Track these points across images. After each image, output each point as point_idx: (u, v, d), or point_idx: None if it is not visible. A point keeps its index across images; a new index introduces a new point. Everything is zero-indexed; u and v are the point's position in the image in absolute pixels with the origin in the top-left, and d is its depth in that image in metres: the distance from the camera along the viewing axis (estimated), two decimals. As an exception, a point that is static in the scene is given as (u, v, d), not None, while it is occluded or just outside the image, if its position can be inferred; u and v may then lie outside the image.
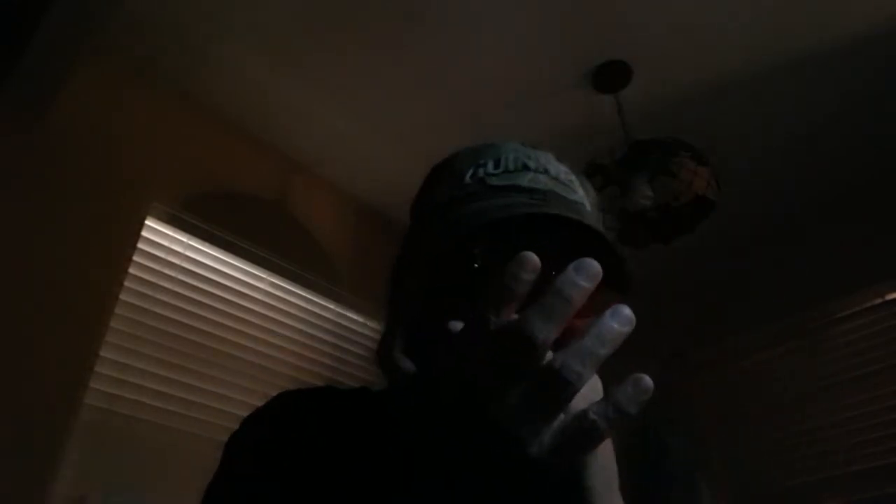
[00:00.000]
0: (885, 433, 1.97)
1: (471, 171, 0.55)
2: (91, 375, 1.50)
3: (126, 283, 1.64)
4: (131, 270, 1.66)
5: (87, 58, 1.56)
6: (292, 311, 2.00)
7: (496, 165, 0.55)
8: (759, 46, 1.81)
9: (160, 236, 1.77)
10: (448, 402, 0.33)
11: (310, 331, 2.02)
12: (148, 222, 1.74)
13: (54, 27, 1.41)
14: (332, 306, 2.11)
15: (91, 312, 1.55)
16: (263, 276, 1.97)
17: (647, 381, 0.32)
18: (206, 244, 1.86)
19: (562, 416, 0.31)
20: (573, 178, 0.58)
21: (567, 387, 0.30)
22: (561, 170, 0.57)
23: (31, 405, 1.38)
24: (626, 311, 0.32)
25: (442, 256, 0.49)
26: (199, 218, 1.83)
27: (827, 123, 2.05)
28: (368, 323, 2.16)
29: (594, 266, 0.32)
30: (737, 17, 1.72)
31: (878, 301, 2.15)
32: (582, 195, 0.57)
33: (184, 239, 1.82)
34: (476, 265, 0.46)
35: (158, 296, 1.71)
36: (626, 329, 0.32)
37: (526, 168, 0.54)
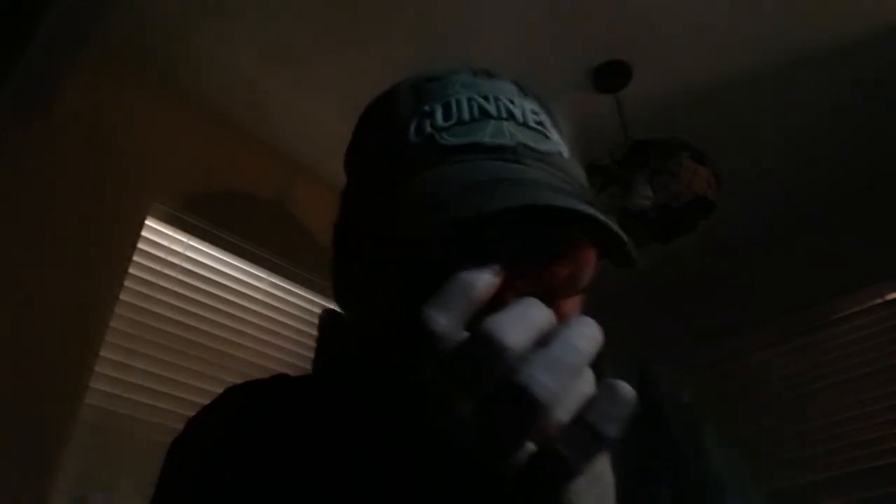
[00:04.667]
0: (885, 433, 1.97)
1: (415, 123, 0.43)
2: (91, 375, 1.50)
3: (126, 283, 1.64)
4: (131, 270, 1.66)
5: (87, 58, 1.56)
6: (292, 311, 2.00)
7: (447, 114, 0.43)
8: (760, 46, 1.81)
9: (160, 236, 1.77)
10: (401, 421, 0.30)
11: (310, 331, 2.02)
12: (148, 222, 1.74)
13: (54, 27, 1.41)
14: (331, 306, 2.11)
15: (91, 312, 1.54)
16: (263, 276, 1.97)
17: (625, 389, 0.26)
18: (206, 244, 1.86)
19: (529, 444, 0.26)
20: (542, 115, 0.46)
21: (535, 406, 0.25)
22: (527, 109, 0.45)
23: (31, 405, 1.38)
24: (590, 322, 0.28)
25: (391, 254, 0.41)
26: (199, 218, 1.83)
27: (827, 123, 2.05)
28: (368, 323, 2.16)
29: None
30: (737, 17, 1.72)
31: (878, 301, 2.15)
32: (556, 139, 0.46)
33: (184, 239, 1.82)
34: (432, 265, 0.38)
35: (158, 296, 1.71)
36: (596, 338, 0.28)
37: (485, 115, 0.43)
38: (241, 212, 1.97)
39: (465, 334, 0.27)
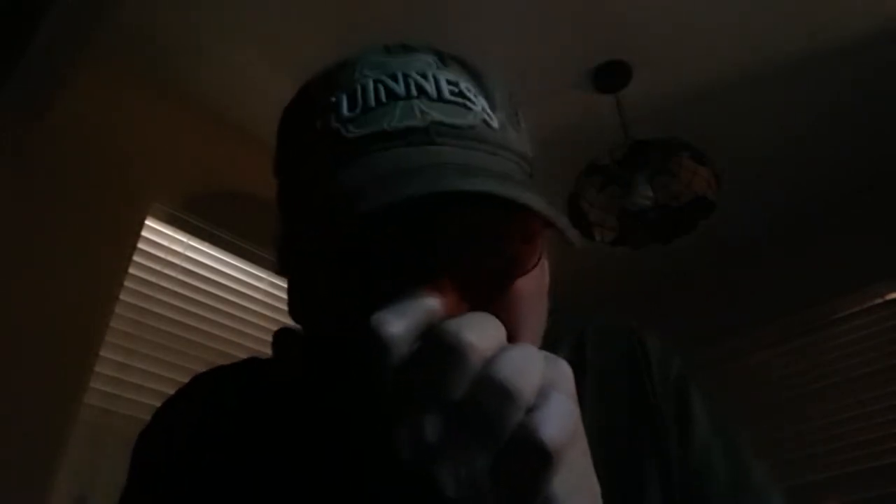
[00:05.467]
0: (885, 433, 1.97)
1: (322, 120, 0.40)
2: (91, 375, 1.50)
3: (126, 283, 1.64)
4: (131, 270, 1.66)
5: (87, 58, 1.56)
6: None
7: (351, 103, 0.39)
8: (759, 46, 1.81)
9: (160, 236, 1.77)
10: (351, 430, 0.28)
11: (310, 331, 2.02)
12: (148, 222, 1.74)
13: (54, 27, 1.40)
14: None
15: (91, 312, 1.54)
16: (263, 276, 1.97)
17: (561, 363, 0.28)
18: (206, 244, 1.86)
19: (494, 443, 0.24)
20: (462, 83, 0.41)
21: (502, 397, 0.24)
22: (442, 81, 0.40)
23: (31, 405, 1.38)
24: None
25: (303, 269, 0.40)
26: (199, 218, 1.83)
27: (827, 123, 2.05)
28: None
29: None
30: (737, 17, 1.72)
31: (878, 301, 2.15)
32: (481, 107, 0.41)
33: (184, 239, 1.82)
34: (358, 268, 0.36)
35: (158, 296, 1.71)
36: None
37: (393, 96, 0.39)
38: (241, 212, 1.97)
39: (433, 331, 0.26)
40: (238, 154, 2.04)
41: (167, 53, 1.80)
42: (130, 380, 1.57)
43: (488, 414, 0.24)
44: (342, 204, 0.34)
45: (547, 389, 0.26)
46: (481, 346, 0.26)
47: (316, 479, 0.37)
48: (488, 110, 0.41)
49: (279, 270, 0.45)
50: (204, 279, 1.83)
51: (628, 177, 1.68)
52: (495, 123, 0.41)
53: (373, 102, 0.39)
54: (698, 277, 2.52)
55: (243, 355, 1.81)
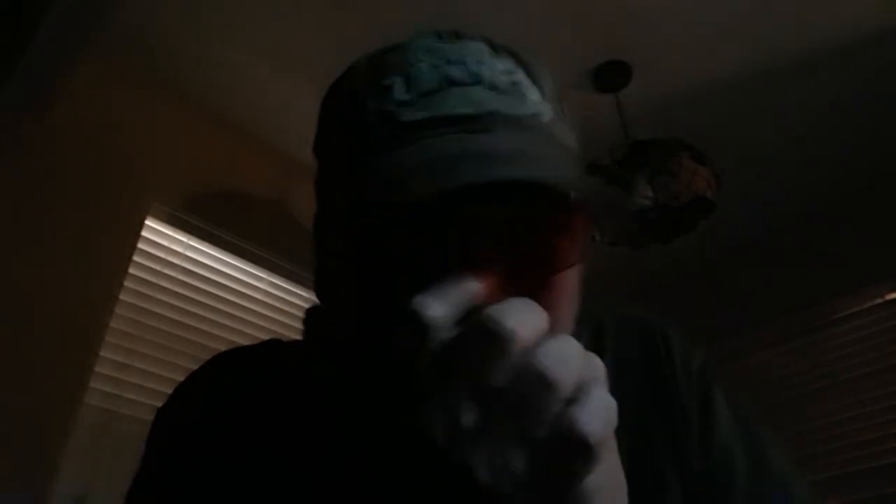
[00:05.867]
0: (885, 433, 1.97)
1: (373, 101, 0.39)
2: (91, 375, 1.50)
3: (126, 283, 1.64)
4: (131, 270, 1.66)
5: (87, 58, 1.56)
6: (292, 310, 2.00)
7: (407, 86, 0.39)
8: (759, 47, 1.81)
9: (160, 236, 1.77)
10: (385, 413, 0.27)
11: (310, 331, 2.02)
12: (148, 222, 1.74)
13: (54, 27, 1.40)
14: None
15: (91, 312, 1.54)
16: (263, 276, 1.97)
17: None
18: (206, 244, 1.86)
19: (532, 433, 0.24)
20: (518, 75, 0.41)
21: (543, 387, 0.24)
22: (498, 70, 0.40)
23: (31, 405, 1.38)
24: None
25: (350, 241, 0.38)
26: (199, 218, 1.83)
27: (827, 123, 2.05)
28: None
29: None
30: (737, 17, 1.72)
31: (878, 301, 2.15)
32: (536, 99, 0.41)
33: (184, 239, 1.82)
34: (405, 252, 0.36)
35: (158, 296, 1.71)
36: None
37: (450, 82, 0.38)
38: (241, 212, 1.97)
39: (474, 317, 0.26)
40: (238, 154, 2.04)
41: (167, 53, 1.80)
42: (130, 380, 1.57)
43: (528, 403, 0.24)
44: (393, 185, 0.33)
45: (587, 383, 0.26)
46: (523, 334, 0.25)
47: (327, 471, 0.37)
48: (540, 102, 0.41)
49: (313, 247, 0.44)
50: (204, 279, 1.83)
51: (628, 177, 1.68)
52: (546, 116, 0.41)
53: (427, 87, 0.38)
54: (698, 277, 2.52)
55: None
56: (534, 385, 0.24)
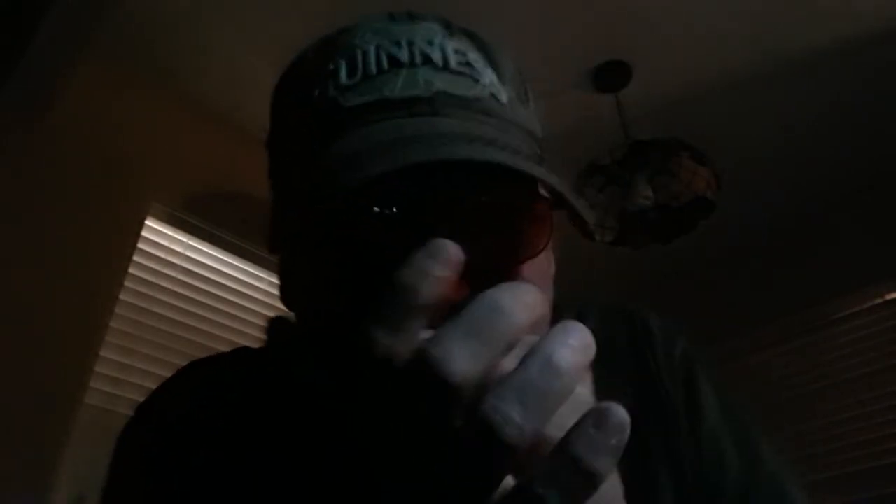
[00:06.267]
0: (885, 433, 1.97)
1: (319, 86, 0.37)
2: (91, 375, 1.50)
3: (126, 283, 1.64)
4: (131, 270, 1.66)
5: (87, 58, 1.56)
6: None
7: (351, 70, 0.36)
8: (759, 47, 1.81)
9: (160, 236, 1.77)
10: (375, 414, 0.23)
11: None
12: (148, 222, 1.74)
13: (54, 27, 1.40)
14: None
15: (91, 312, 1.54)
16: (263, 276, 1.97)
17: (618, 413, 0.20)
18: (206, 244, 1.86)
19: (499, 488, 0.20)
20: (471, 54, 0.39)
21: (499, 448, 0.19)
22: (450, 50, 0.38)
23: (31, 405, 1.38)
24: (576, 328, 0.22)
25: (302, 238, 0.36)
26: (199, 218, 1.83)
27: (827, 123, 2.05)
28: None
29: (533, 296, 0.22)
30: (737, 17, 1.72)
31: (878, 301, 2.15)
32: (490, 80, 0.38)
33: (184, 239, 1.82)
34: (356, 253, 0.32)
35: (158, 296, 1.70)
36: (586, 347, 0.22)
37: (396, 63, 0.36)
38: (241, 212, 1.96)
39: (420, 354, 0.21)
40: (238, 154, 2.04)
41: (167, 53, 1.80)
42: (130, 380, 1.57)
43: (483, 459, 0.20)
44: (334, 175, 0.31)
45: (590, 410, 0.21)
46: (471, 376, 0.20)
47: (315, 476, 0.34)
48: (497, 84, 0.39)
49: (270, 250, 0.41)
50: (204, 279, 1.83)
51: (628, 177, 1.68)
52: (504, 98, 0.39)
53: (374, 69, 0.36)
54: (698, 277, 2.52)
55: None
56: (482, 443, 0.20)
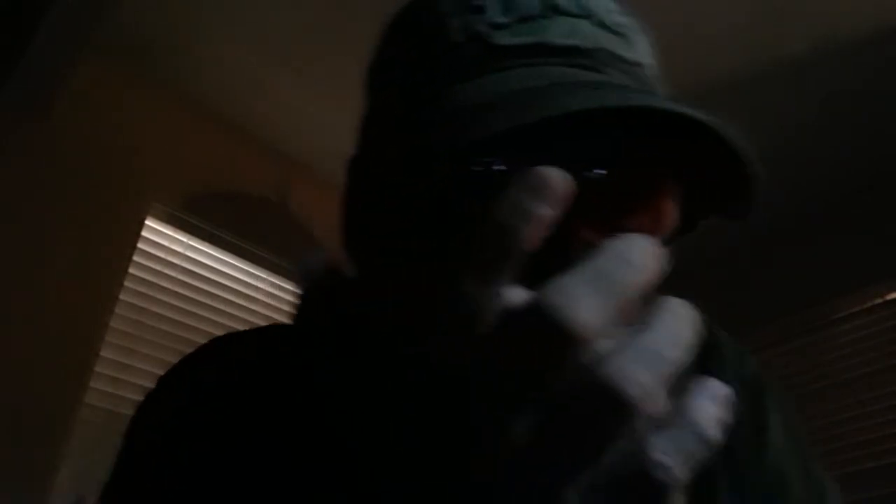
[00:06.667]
0: (885, 433, 1.97)
1: (460, 20, 0.33)
2: (91, 375, 1.50)
3: (126, 283, 1.64)
4: (131, 270, 1.66)
5: (87, 58, 1.56)
6: (292, 310, 2.00)
7: (505, 8, 0.32)
8: (759, 47, 1.81)
9: (160, 236, 1.77)
10: (419, 431, 0.20)
11: (310, 331, 2.02)
12: (148, 222, 1.74)
13: (54, 27, 1.40)
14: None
15: (91, 312, 1.54)
16: (263, 276, 1.97)
17: (722, 388, 0.20)
18: (206, 244, 1.86)
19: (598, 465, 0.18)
20: (626, 19, 0.37)
21: (623, 409, 0.17)
22: (610, 8, 0.35)
23: (31, 405, 1.38)
24: (688, 306, 0.22)
25: (419, 183, 0.30)
26: (199, 218, 1.83)
27: (827, 123, 2.05)
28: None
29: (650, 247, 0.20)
30: (737, 17, 1.72)
31: (878, 301, 2.15)
32: (643, 50, 0.37)
33: (184, 239, 1.82)
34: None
35: (158, 296, 1.71)
36: (697, 327, 0.21)
37: (555, 10, 0.32)
38: (241, 212, 1.97)
39: (517, 303, 0.18)
40: (238, 154, 2.04)
41: (167, 53, 1.80)
42: (130, 380, 1.57)
43: (594, 427, 0.18)
44: (489, 116, 0.27)
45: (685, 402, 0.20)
46: (593, 328, 0.18)
47: (322, 467, 0.31)
48: (649, 55, 0.37)
49: (346, 194, 0.38)
50: (204, 279, 1.83)
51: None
52: (654, 70, 0.37)
53: (532, 11, 0.32)
54: (698, 277, 2.52)
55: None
56: (602, 405, 0.18)
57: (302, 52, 1.81)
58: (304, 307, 0.27)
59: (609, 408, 0.17)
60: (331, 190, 2.45)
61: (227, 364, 0.42)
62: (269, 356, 0.41)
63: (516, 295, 0.19)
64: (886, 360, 2.05)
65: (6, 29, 1.46)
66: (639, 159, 0.30)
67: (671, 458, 0.18)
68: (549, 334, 0.18)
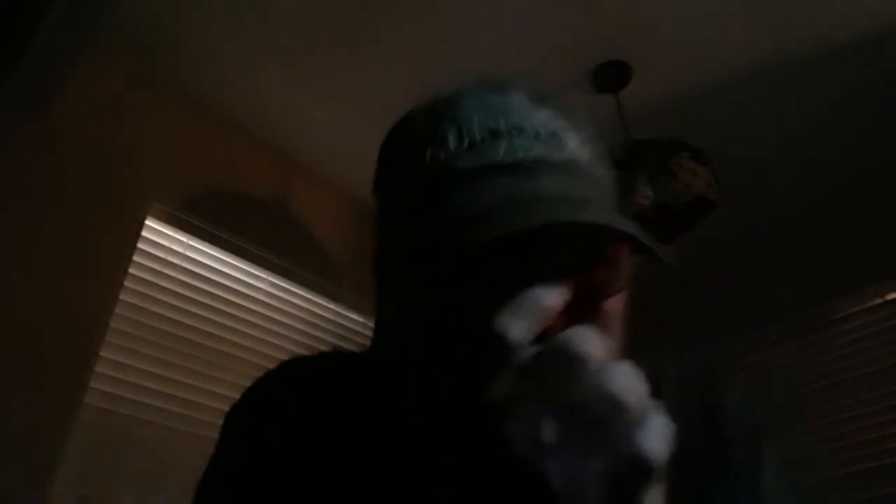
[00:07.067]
0: (885, 433, 1.97)
1: (430, 150, 0.43)
2: (91, 375, 1.50)
3: (126, 283, 1.64)
4: (131, 270, 1.66)
5: (88, 58, 1.56)
6: (292, 311, 2.00)
7: (459, 139, 0.43)
8: (759, 47, 1.81)
9: (160, 236, 1.77)
10: (463, 424, 0.31)
11: (310, 331, 2.02)
12: (148, 222, 1.74)
13: (54, 27, 1.41)
14: (332, 306, 2.11)
15: (91, 312, 1.54)
16: (263, 276, 1.97)
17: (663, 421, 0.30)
18: (206, 244, 1.86)
19: (603, 449, 0.28)
20: (556, 122, 0.46)
21: (614, 408, 0.28)
22: (539, 121, 0.45)
23: (31, 405, 1.38)
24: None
25: (433, 273, 0.42)
26: (199, 218, 1.83)
27: (827, 123, 2.05)
28: (369, 323, 2.16)
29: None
30: (736, 17, 1.72)
31: (878, 301, 2.15)
32: (573, 146, 0.45)
33: (184, 239, 1.82)
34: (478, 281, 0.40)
35: (158, 296, 1.71)
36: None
37: (496, 134, 0.43)
38: (241, 212, 1.97)
39: (538, 347, 0.30)
40: (238, 154, 2.04)
41: (167, 53, 1.80)
42: (130, 380, 1.57)
43: (600, 420, 0.28)
44: (466, 225, 0.38)
45: (647, 409, 0.29)
46: (596, 357, 0.29)
47: (394, 483, 0.40)
48: (579, 146, 0.46)
49: (373, 273, 0.50)
50: (204, 279, 1.83)
51: (628, 177, 1.68)
52: (584, 158, 0.46)
53: (478, 137, 0.43)
54: (698, 277, 2.52)
55: (243, 355, 1.83)
56: (606, 405, 0.28)
57: (302, 52, 1.81)
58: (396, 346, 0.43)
59: (612, 406, 0.28)
60: (331, 190, 2.48)
61: (308, 384, 0.52)
62: (343, 383, 0.51)
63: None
64: (886, 360, 2.05)
65: (6, 29, 1.46)
66: (587, 238, 0.40)
67: (654, 448, 0.27)
68: (565, 357, 0.29)
